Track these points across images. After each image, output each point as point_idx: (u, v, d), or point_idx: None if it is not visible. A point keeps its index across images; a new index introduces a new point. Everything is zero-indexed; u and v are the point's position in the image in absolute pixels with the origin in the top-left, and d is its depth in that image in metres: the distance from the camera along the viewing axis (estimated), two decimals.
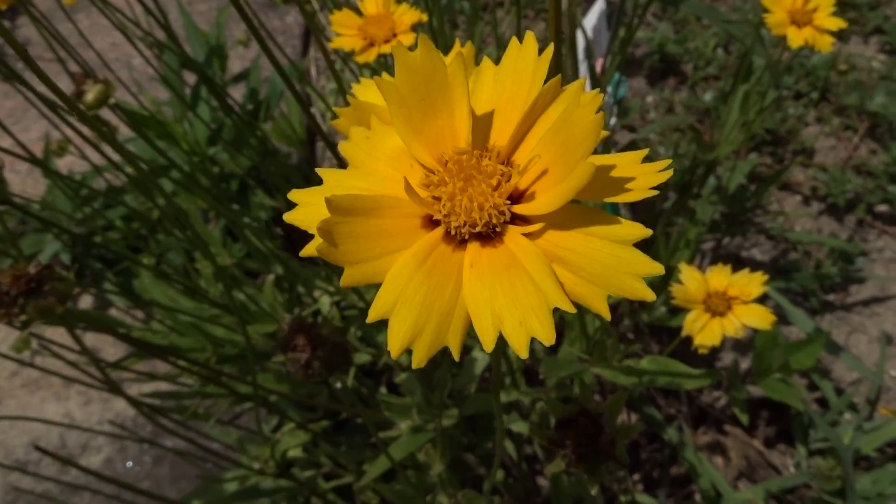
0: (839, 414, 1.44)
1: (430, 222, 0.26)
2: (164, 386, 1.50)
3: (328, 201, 0.23)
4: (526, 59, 0.27)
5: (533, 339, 0.23)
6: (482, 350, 1.02)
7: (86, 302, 1.70)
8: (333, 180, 0.27)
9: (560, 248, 0.24)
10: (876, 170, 1.84)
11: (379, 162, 0.27)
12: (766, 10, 0.90)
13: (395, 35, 0.74)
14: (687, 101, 2.01)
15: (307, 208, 0.26)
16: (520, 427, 1.05)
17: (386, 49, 0.73)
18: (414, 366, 0.23)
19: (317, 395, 1.15)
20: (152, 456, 1.57)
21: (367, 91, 0.41)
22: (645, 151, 0.26)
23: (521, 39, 0.27)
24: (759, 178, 1.86)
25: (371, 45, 0.74)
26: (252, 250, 1.12)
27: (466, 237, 0.25)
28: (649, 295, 0.23)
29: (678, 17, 2.22)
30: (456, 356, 0.24)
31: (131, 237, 1.61)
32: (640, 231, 0.23)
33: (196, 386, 1.06)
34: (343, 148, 0.28)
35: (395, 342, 0.23)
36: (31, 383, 1.66)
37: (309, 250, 0.25)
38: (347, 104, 0.43)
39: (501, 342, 0.23)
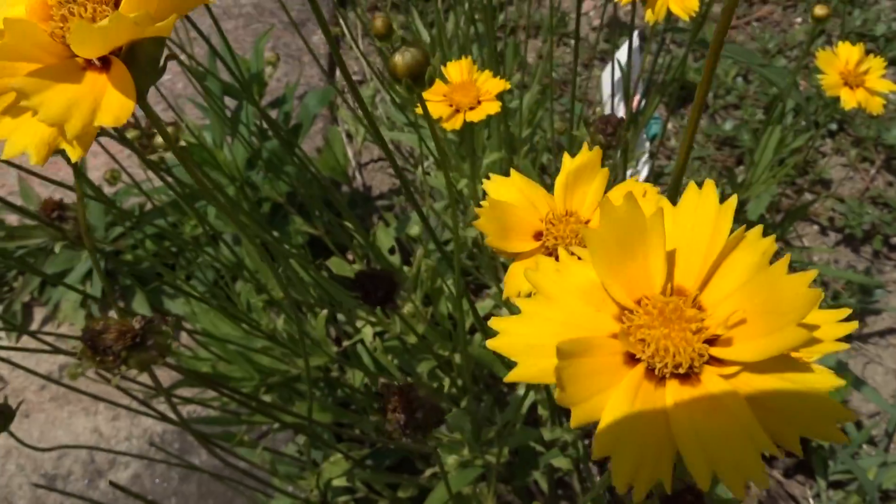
0: (859, 447, 1.47)
1: (631, 359, 0.28)
2: (195, 407, 1.52)
3: (559, 349, 0.26)
4: (707, 206, 0.30)
5: None
6: (527, 388, 1.04)
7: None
8: (532, 311, 0.29)
9: (755, 389, 0.26)
10: (892, 202, 1.88)
11: (571, 295, 0.30)
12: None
13: (479, 102, 0.76)
14: (707, 130, 2.04)
15: (511, 338, 0.29)
16: (561, 462, 1.08)
17: (472, 116, 0.76)
18: (635, 501, 0.26)
19: (360, 424, 1.17)
20: (179, 472, 1.59)
21: (499, 188, 0.44)
22: (813, 274, 0.28)
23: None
24: (776, 208, 1.89)
25: (457, 111, 0.77)
26: (294, 278, 1.14)
27: (667, 375, 0.28)
28: (843, 439, 0.26)
29: (698, 45, 2.25)
30: (668, 488, 0.26)
31: (163, 254, 1.63)
32: (833, 381, 0.26)
33: (245, 415, 1.08)
34: (531, 276, 0.30)
35: (619, 480, 0.26)
36: (60, 397, 1.67)
37: (514, 377, 0.28)
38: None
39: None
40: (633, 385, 0.27)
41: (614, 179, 1.51)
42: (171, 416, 1.06)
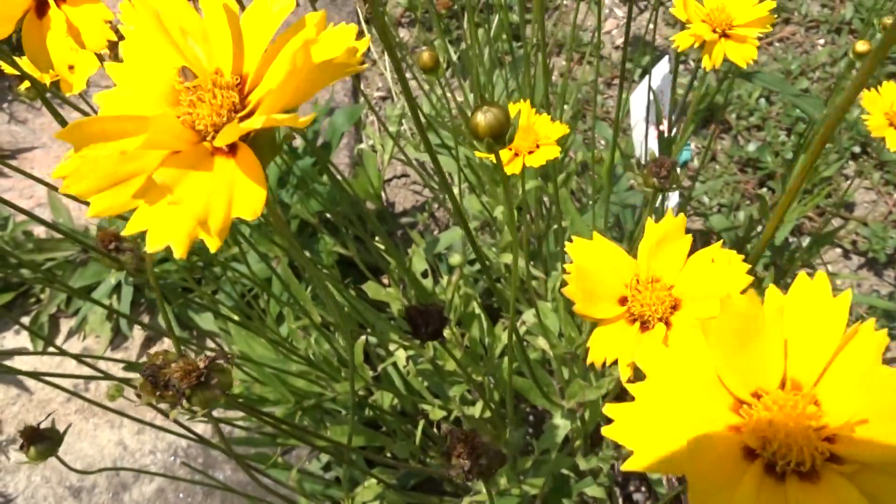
0: None
1: (749, 453, 0.29)
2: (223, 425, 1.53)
3: (687, 448, 0.26)
4: (820, 299, 0.31)
5: None
6: (564, 417, 1.05)
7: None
8: (646, 398, 0.30)
9: (872, 486, 0.27)
10: None
11: (684, 383, 0.30)
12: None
13: (538, 146, 0.77)
14: (730, 151, 2.05)
15: (626, 427, 0.29)
16: (595, 491, 1.08)
17: (532, 161, 0.77)
18: None
19: (392, 448, 1.18)
20: (203, 487, 1.60)
21: (582, 252, 0.45)
22: None
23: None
24: (799, 230, 1.90)
25: (516, 155, 0.77)
26: (326, 299, 1.15)
27: (787, 472, 0.28)
28: None
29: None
30: None
31: (190, 268, 1.64)
32: None
33: (281, 438, 1.09)
34: (642, 361, 0.31)
35: None
36: (86, 409, 1.68)
37: (633, 465, 0.29)
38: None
39: None
40: (756, 482, 0.27)
41: (644, 205, 1.51)
42: (197, 432, 1.07)
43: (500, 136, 0.48)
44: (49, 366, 1.74)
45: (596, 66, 1.07)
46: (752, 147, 2.03)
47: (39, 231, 1.77)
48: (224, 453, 1.05)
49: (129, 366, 1.21)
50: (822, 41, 2.29)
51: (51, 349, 1.69)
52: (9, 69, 0.45)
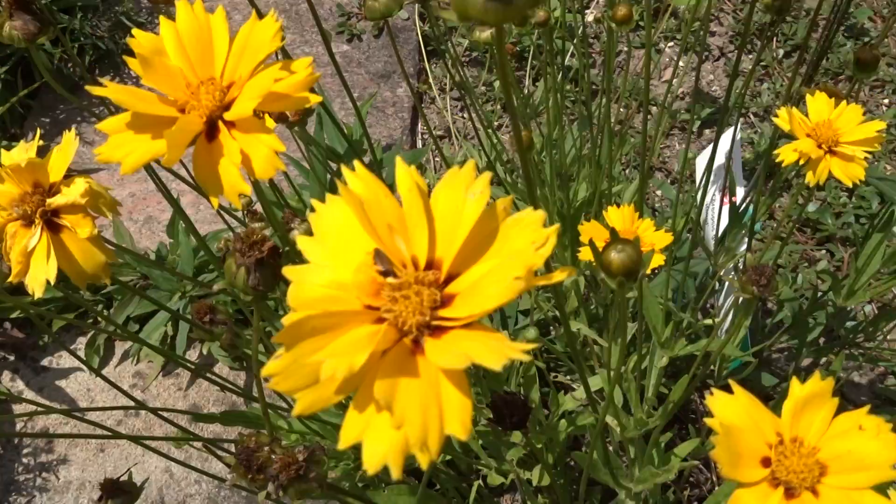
0: None
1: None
2: None
3: None
4: None
5: None
6: (630, 499, 1.04)
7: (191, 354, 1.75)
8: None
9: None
10: None
11: None
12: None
13: None
14: (788, 209, 2.03)
15: None
16: None
17: None
18: None
19: None
20: None
21: (724, 406, 0.44)
22: None
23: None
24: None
25: None
26: None
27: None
28: None
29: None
30: None
31: (244, 302, 1.65)
32: None
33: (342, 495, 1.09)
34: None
35: None
36: (135, 433, 1.70)
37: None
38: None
39: None
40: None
41: (707, 271, 1.50)
42: None
43: (633, 273, 0.48)
44: (103, 386, 1.77)
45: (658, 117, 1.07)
46: (811, 207, 2.01)
47: None
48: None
49: (198, 417, 1.22)
50: (886, 101, 2.26)
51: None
52: (98, 90, 0.45)
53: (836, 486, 0.43)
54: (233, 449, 1.10)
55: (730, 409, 0.45)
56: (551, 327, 1.46)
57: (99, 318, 1.76)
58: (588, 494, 1.30)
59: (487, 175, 0.35)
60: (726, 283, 1.32)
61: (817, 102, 0.85)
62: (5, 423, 1.70)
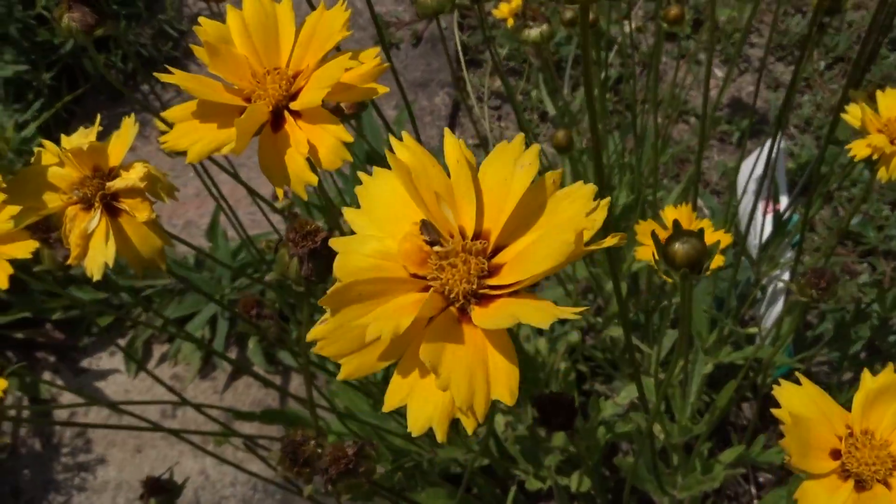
0: None
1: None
2: None
3: None
4: None
5: None
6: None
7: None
8: None
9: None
10: None
11: None
12: None
13: None
14: (830, 222, 1.99)
15: None
16: None
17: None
18: None
19: None
20: None
21: (791, 397, 0.44)
22: None
23: None
24: None
25: None
26: None
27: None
28: None
29: (821, 132, 2.21)
30: None
31: (281, 306, 1.66)
32: None
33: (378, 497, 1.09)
34: None
35: None
36: (172, 436, 1.72)
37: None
38: None
39: None
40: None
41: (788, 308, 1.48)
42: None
43: (698, 264, 0.48)
44: (140, 389, 1.79)
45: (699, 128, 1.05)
46: (853, 220, 1.97)
47: None
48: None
49: (237, 415, 1.23)
50: None
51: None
52: (166, 77, 0.46)
53: None
54: (270, 449, 1.10)
55: (798, 399, 0.44)
56: (586, 335, 1.45)
57: (138, 320, 1.78)
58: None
59: (536, 147, 0.35)
60: (769, 292, 1.30)
61: (888, 98, 0.84)
62: (46, 422, 1.73)
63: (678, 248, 0.47)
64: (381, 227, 0.36)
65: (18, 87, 1.99)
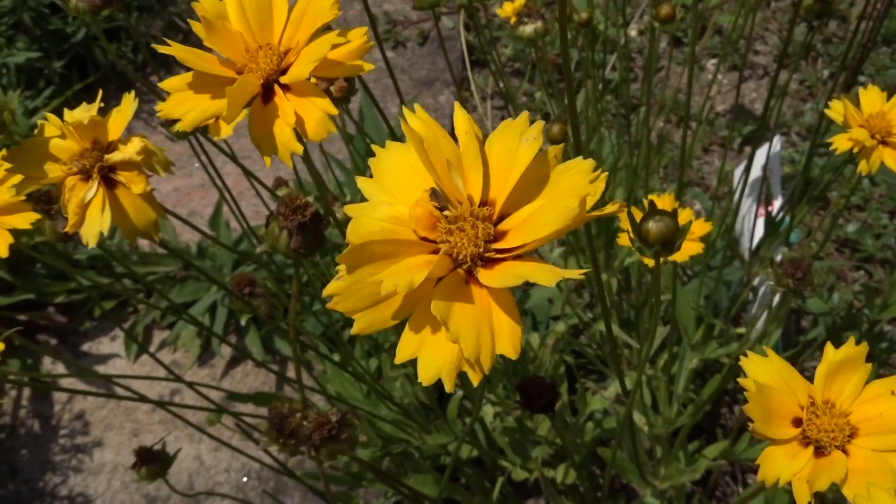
0: None
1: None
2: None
3: None
4: None
5: None
6: (654, 497, 1.03)
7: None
8: None
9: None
10: None
11: None
12: None
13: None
14: (827, 229, 2.01)
15: None
16: None
17: (676, 257, 0.78)
18: None
19: (472, 503, 1.18)
20: None
21: (757, 368, 0.45)
22: None
23: None
24: None
25: None
26: None
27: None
28: None
29: (823, 139, 2.22)
30: None
31: (280, 296, 1.68)
32: None
33: (367, 481, 1.11)
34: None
35: None
36: (168, 421, 1.74)
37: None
38: None
39: None
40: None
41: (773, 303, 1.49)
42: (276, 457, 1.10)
43: (670, 243, 0.49)
44: (139, 374, 1.81)
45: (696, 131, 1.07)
46: (851, 227, 1.99)
47: (143, 244, 1.86)
48: (297, 480, 1.07)
49: (231, 396, 1.25)
50: None
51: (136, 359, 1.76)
52: (164, 49, 0.48)
53: (866, 447, 0.44)
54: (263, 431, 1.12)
55: (763, 369, 0.46)
56: (581, 331, 1.46)
57: (141, 301, 1.81)
58: (614, 499, 1.30)
59: (541, 123, 0.37)
60: (759, 293, 1.31)
61: (869, 95, 0.86)
62: (44, 404, 1.75)
63: (651, 226, 0.49)
64: (393, 194, 0.38)
65: (30, 74, 2.02)
